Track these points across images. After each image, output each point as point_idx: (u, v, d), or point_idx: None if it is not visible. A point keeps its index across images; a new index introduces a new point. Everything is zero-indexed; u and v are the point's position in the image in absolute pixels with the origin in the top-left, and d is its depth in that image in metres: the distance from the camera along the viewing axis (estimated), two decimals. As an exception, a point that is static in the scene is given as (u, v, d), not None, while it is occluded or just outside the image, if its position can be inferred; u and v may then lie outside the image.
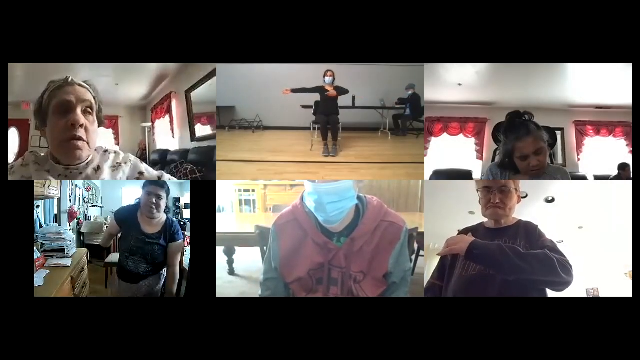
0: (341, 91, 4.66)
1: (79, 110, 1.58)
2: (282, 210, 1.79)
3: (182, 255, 2.51)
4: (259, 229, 2.66)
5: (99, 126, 1.71)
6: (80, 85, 1.63)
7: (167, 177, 1.87)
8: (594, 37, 2.14)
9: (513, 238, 1.77)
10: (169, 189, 2.31)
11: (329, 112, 4.57)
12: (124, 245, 2.34)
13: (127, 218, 2.34)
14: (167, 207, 2.39)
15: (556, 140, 5.83)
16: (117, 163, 1.74)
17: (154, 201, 2.25)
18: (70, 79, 1.63)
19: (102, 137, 1.80)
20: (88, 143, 1.61)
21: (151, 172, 1.83)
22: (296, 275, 1.70)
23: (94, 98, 1.65)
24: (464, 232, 1.89)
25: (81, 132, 1.58)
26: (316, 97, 4.72)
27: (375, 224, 1.66)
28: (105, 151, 1.75)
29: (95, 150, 1.72)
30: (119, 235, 2.42)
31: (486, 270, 1.70)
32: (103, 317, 2.02)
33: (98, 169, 1.68)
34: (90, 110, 1.62)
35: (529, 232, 1.79)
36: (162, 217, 2.35)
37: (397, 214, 1.72)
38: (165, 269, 2.38)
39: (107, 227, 2.77)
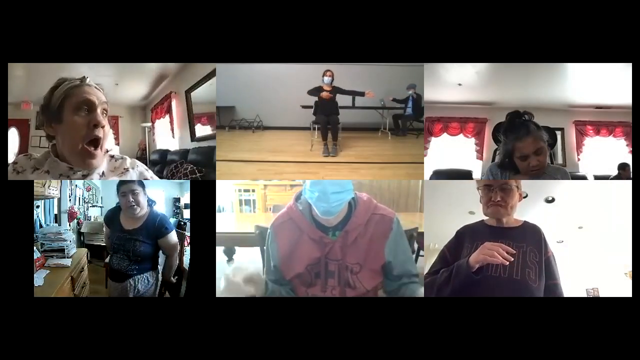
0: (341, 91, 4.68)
1: (99, 111, 1.59)
2: (280, 211, 1.85)
3: (182, 253, 2.50)
4: (259, 229, 2.66)
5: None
6: (96, 87, 1.64)
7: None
8: (594, 37, 2.14)
9: (519, 241, 1.75)
10: (142, 182, 2.23)
11: (329, 112, 4.57)
12: (109, 243, 2.34)
13: (111, 218, 2.35)
14: (149, 199, 2.33)
15: (556, 140, 5.83)
16: (125, 169, 1.74)
17: (131, 199, 2.21)
18: (88, 80, 1.63)
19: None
20: (103, 144, 1.61)
21: (156, 179, 1.85)
22: (295, 271, 1.76)
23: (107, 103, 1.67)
24: (464, 229, 1.89)
25: (100, 133, 1.59)
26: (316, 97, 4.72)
27: (367, 217, 1.74)
28: (112, 157, 1.74)
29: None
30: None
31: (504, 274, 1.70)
32: (103, 317, 2.02)
33: (103, 174, 1.67)
34: (106, 113, 1.63)
35: (535, 237, 1.79)
36: (144, 212, 2.29)
37: (387, 208, 1.80)
38: (157, 274, 2.36)
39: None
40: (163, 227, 2.29)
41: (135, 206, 2.23)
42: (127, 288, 2.25)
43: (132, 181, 2.17)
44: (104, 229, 2.48)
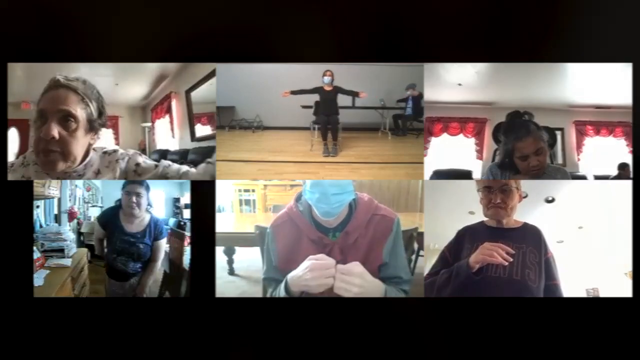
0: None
1: (53, 122, 1.50)
2: (280, 212, 1.84)
3: (182, 253, 2.52)
4: (259, 229, 2.65)
5: (101, 128, 1.65)
6: (67, 86, 1.54)
7: (165, 163, 1.79)
8: (594, 37, 2.14)
9: (519, 242, 1.75)
10: (148, 186, 2.32)
11: (329, 112, 4.57)
12: (111, 246, 2.37)
13: (109, 220, 2.38)
14: (149, 204, 2.41)
15: (556, 140, 5.82)
16: (116, 160, 1.71)
17: (134, 200, 2.27)
18: (57, 79, 1.55)
19: (102, 137, 1.77)
20: (64, 152, 1.53)
21: (149, 163, 1.77)
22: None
23: (89, 102, 1.57)
24: (464, 230, 1.89)
25: (54, 145, 1.50)
26: (316, 97, 4.71)
27: (368, 217, 1.73)
28: (105, 152, 1.72)
29: (94, 150, 1.71)
30: (106, 238, 2.44)
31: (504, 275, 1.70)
32: (103, 317, 2.02)
33: (98, 172, 1.67)
34: (72, 118, 1.52)
35: (535, 238, 1.79)
36: (145, 216, 2.37)
37: (388, 208, 1.78)
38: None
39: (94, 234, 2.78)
40: (161, 233, 2.40)
41: (136, 208, 2.29)
42: (133, 285, 2.34)
43: (140, 184, 2.24)
44: (97, 231, 2.49)
